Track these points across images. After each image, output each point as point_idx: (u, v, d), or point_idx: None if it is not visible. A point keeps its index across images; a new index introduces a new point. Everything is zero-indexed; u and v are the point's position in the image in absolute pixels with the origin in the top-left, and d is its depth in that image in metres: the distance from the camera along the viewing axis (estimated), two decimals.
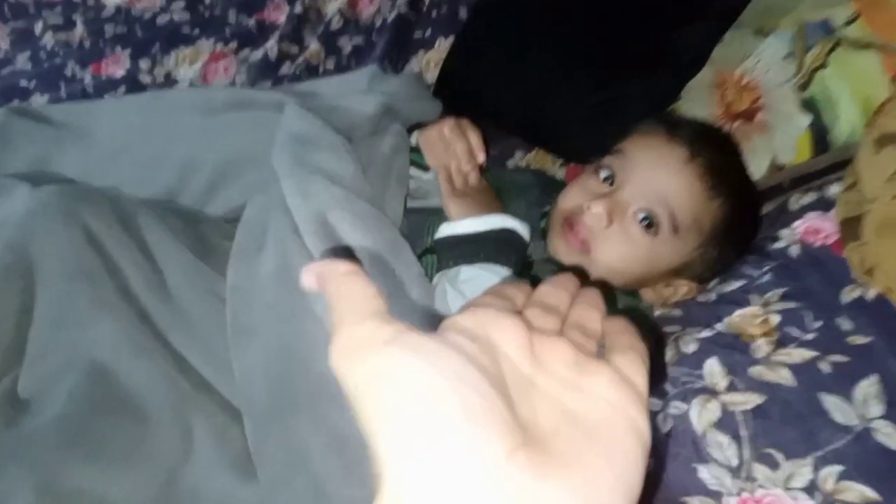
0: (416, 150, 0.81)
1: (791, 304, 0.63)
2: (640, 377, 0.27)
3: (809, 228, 0.69)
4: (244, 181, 0.83)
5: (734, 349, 0.62)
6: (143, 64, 1.20)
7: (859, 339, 0.58)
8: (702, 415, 0.59)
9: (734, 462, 0.56)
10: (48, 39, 1.26)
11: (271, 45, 1.19)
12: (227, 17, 1.22)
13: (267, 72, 1.16)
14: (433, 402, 0.22)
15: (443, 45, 1.12)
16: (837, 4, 0.76)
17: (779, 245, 0.70)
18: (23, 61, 1.23)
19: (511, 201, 0.81)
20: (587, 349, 0.28)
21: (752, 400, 0.58)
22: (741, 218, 0.72)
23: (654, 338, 0.67)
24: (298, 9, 1.19)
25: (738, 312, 0.65)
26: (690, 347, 0.64)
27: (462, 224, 0.67)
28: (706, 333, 0.65)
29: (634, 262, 0.70)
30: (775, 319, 0.62)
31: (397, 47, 1.15)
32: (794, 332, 0.61)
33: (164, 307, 0.65)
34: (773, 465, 0.55)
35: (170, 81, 1.18)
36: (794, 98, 0.79)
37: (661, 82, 0.90)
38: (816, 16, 0.78)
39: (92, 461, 0.57)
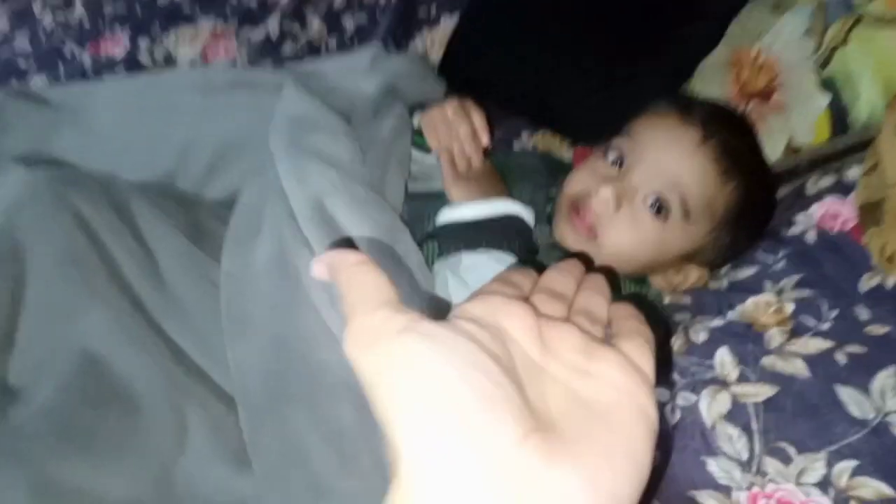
0: (418, 131, 0.79)
1: (806, 292, 0.61)
2: (647, 362, 0.27)
3: (827, 213, 0.66)
4: (244, 164, 0.81)
5: (746, 339, 0.60)
6: (143, 44, 1.18)
7: (878, 329, 0.56)
8: (711, 406, 0.57)
9: (744, 455, 0.54)
10: (47, 19, 1.24)
11: (273, 24, 1.16)
12: None
13: (268, 51, 1.14)
14: (447, 390, 0.22)
15: (448, 24, 1.09)
16: None
17: (794, 230, 0.67)
18: (21, 41, 1.22)
19: (516, 185, 0.78)
20: (594, 335, 0.28)
21: (765, 392, 0.56)
22: (755, 202, 0.70)
23: (661, 325, 0.65)
24: None
25: (751, 300, 0.63)
26: (700, 336, 0.62)
27: (464, 209, 0.65)
28: (717, 322, 0.63)
29: (643, 248, 0.67)
30: (790, 308, 0.60)
31: (401, 26, 1.12)
32: (810, 321, 0.59)
33: (157, 294, 0.63)
34: (785, 460, 0.53)
35: (170, 61, 1.16)
36: (813, 77, 0.75)
37: (673, 61, 0.87)
38: None
39: (83, 453, 0.55)
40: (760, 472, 0.53)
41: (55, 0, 1.24)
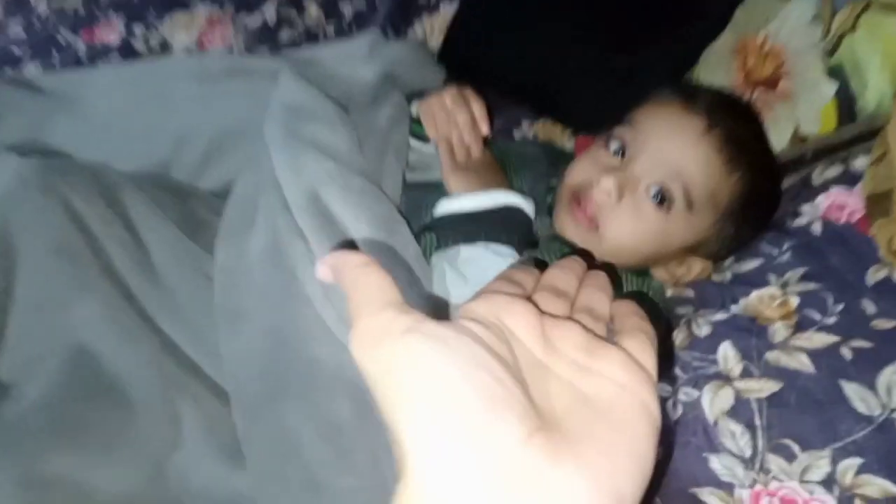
0: (416, 120, 0.77)
1: (812, 286, 0.59)
2: (650, 359, 0.28)
3: (833, 204, 0.65)
4: (240, 153, 0.80)
5: (750, 333, 0.58)
6: (138, 30, 1.15)
7: (884, 324, 0.55)
8: (714, 402, 0.56)
9: (747, 452, 0.53)
10: (42, 6, 1.22)
11: (270, 11, 1.14)
12: None
13: (265, 38, 1.12)
14: (452, 389, 0.23)
15: (447, 10, 1.07)
16: None
17: (800, 221, 0.66)
18: (15, 28, 1.20)
19: (516, 175, 0.77)
20: (596, 332, 0.29)
21: (768, 387, 0.55)
22: (760, 193, 0.68)
23: (662, 321, 0.63)
24: None
25: (755, 294, 0.61)
26: (703, 330, 0.61)
27: (463, 200, 0.64)
28: (720, 316, 0.61)
29: (646, 239, 0.66)
30: (794, 301, 0.59)
31: (400, 12, 1.10)
32: (815, 315, 0.57)
33: (150, 287, 0.62)
34: (789, 457, 0.52)
35: (165, 48, 1.14)
36: (820, 64, 0.74)
37: (678, 48, 0.85)
38: None
39: (75, 449, 0.55)
40: (764, 470, 0.52)
41: None
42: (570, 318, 0.29)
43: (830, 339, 0.55)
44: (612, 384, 0.26)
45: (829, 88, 0.73)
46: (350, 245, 0.59)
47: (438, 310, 0.59)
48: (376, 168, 0.69)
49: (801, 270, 0.61)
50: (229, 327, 0.61)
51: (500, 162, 0.77)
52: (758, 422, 0.54)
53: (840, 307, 0.57)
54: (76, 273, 0.61)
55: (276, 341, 0.59)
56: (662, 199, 0.65)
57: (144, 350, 0.60)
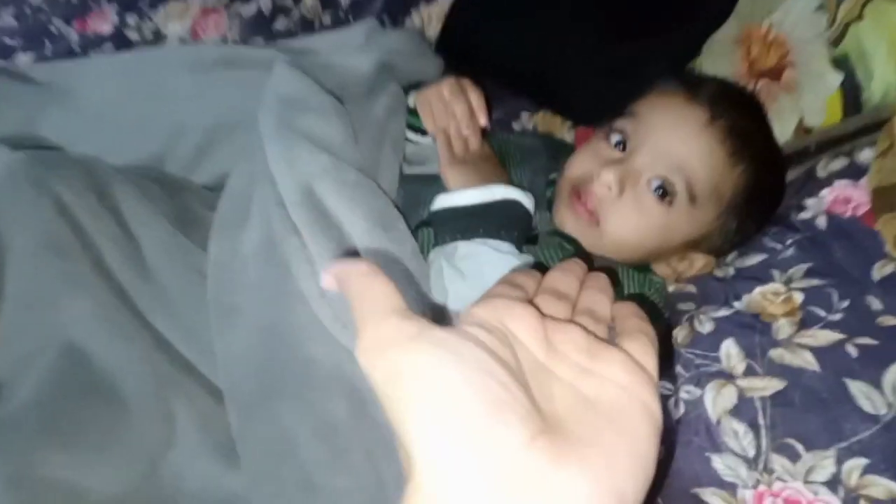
0: (413, 111, 0.76)
1: (816, 281, 0.58)
2: (651, 361, 0.28)
3: (838, 197, 0.64)
4: (234, 146, 0.79)
5: (753, 330, 0.57)
6: (131, 19, 1.14)
7: (891, 321, 0.53)
8: (717, 401, 0.55)
9: (751, 452, 0.52)
10: None
11: None
12: None
13: (260, 27, 1.11)
14: (457, 395, 0.23)
15: None
16: None
17: (804, 215, 0.65)
18: (7, 18, 1.18)
19: (515, 168, 0.76)
20: (598, 334, 0.29)
21: (772, 385, 0.54)
22: (765, 186, 0.67)
23: (662, 323, 0.62)
24: None
25: (759, 290, 0.60)
26: (706, 327, 0.60)
27: (460, 195, 0.62)
28: (723, 312, 0.60)
29: (647, 234, 0.65)
30: (799, 298, 0.58)
31: (397, 0, 1.08)
32: (820, 311, 0.56)
33: (142, 284, 0.61)
34: (793, 457, 0.51)
35: (158, 38, 1.13)
36: (825, 54, 0.72)
37: (680, 37, 0.83)
38: None
39: (67, 449, 0.54)
40: (767, 470, 0.51)
41: None
42: (571, 321, 0.30)
43: (835, 336, 0.54)
44: (613, 386, 0.26)
45: (835, 78, 0.72)
46: (351, 253, 0.58)
47: (435, 308, 0.58)
48: (372, 161, 0.67)
49: (805, 266, 0.60)
50: (223, 324, 0.60)
51: (498, 154, 0.76)
52: (761, 421, 0.53)
53: (845, 303, 0.56)
54: (66, 269, 0.60)
55: (271, 339, 0.58)
56: (664, 192, 0.64)
57: (137, 347, 0.59)
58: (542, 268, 0.61)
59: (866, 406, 0.50)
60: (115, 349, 0.58)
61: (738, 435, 0.53)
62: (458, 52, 0.98)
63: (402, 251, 0.58)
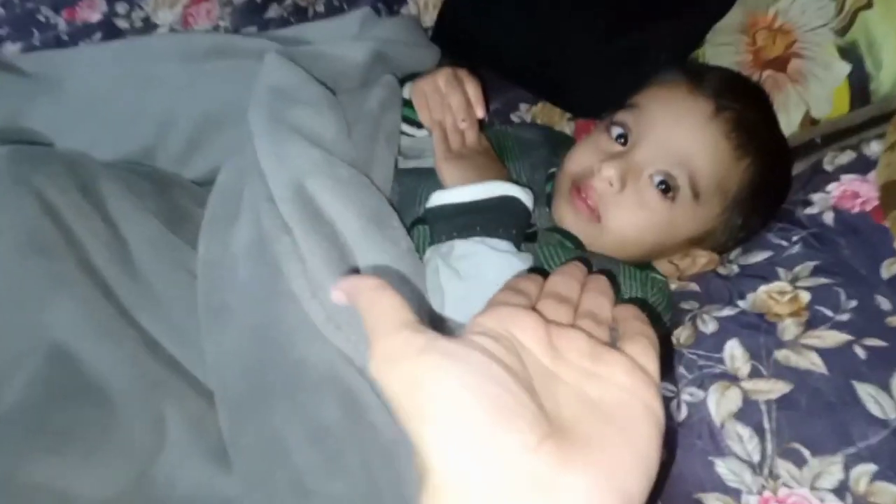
0: (409, 103, 0.73)
1: (823, 280, 0.57)
2: (652, 362, 0.29)
3: (846, 192, 0.62)
4: (226, 139, 0.77)
5: (758, 330, 0.56)
6: (120, 8, 1.12)
7: None
8: (720, 403, 0.54)
9: (756, 457, 0.51)
10: None
11: None
12: None
13: (252, 15, 1.08)
14: (467, 402, 0.24)
15: None
16: None
17: (810, 211, 0.63)
18: None
19: (514, 161, 0.74)
20: (600, 336, 0.30)
21: (778, 388, 0.52)
22: (771, 181, 0.65)
23: (661, 326, 0.61)
24: None
25: (764, 288, 0.59)
26: (709, 327, 0.58)
27: (457, 192, 0.60)
28: (727, 311, 0.59)
29: (649, 231, 0.63)
30: (805, 297, 0.56)
31: None
32: (827, 311, 0.55)
33: (129, 283, 0.60)
34: (800, 462, 0.49)
35: (149, 26, 1.10)
36: (833, 43, 0.70)
37: (683, 26, 0.81)
38: None
39: (54, 453, 0.53)
40: (773, 476, 0.50)
41: None
42: (574, 326, 0.31)
43: (843, 337, 0.53)
44: (616, 388, 0.27)
45: (842, 68, 0.70)
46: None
47: (431, 309, 0.57)
48: (366, 155, 0.65)
49: (811, 264, 0.58)
50: (212, 324, 0.58)
51: (496, 147, 0.73)
52: (766, 425, 0.51)
53: (853, 303, 0.54)
54: (51, 268, 0.58)
55: (262, 340, 0.56)
56: (667, 187, 0.62)
57: (125, 349, 0.58)
58: (541, 268, 0.60)
59: (875, 410, 0.49)
60: (103, 350, 0.57)
61: (742, 439, 0.52)
62: (455, 40, 0.96)
63: (396, 250, 0.57)
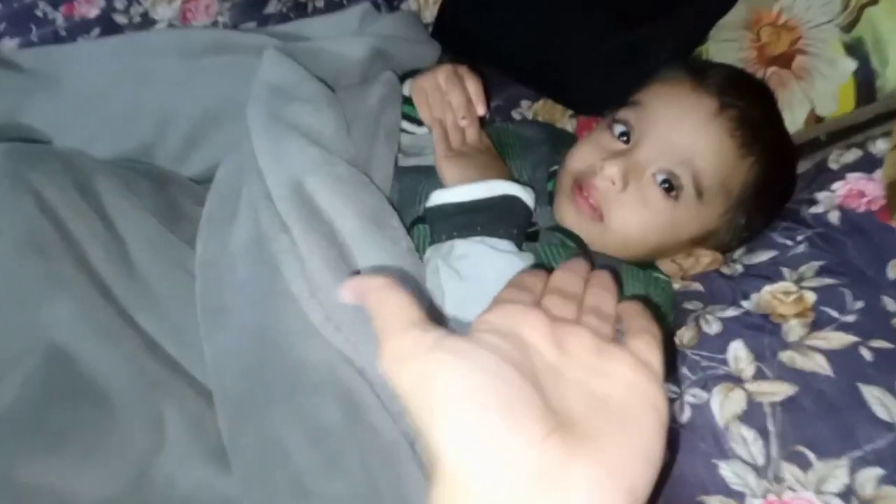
0: (409, 100, 0.73)
1: (829, 280, 0.56)
2: (656, 357, 0.30)
3: (852, 191, 0.61)
4: (224, 136, 0.76)
5: (762, 331, 0.55)
6: (119, 3, 1.11)
7: None
8: (724, 405, 0.53)
9: (760, 460, 0.50)
10: None
11: None
12: None
13: (251, 10, 1.07)
14: (476, 399, 0.25)
15: None
16: None
17: (816, 210, 0.62)
18: None
19: (515, 159, 0.73)
20: (604, 332, 0.31)
21: (783, 390, 0.52)
22: (775, 180, 0.64)
23: (664, 324, 0.60)
24: None
25: (768, 288, 0.58)
26: (713, 328, 0.58)
27: (457, 191, 0.59)
28: (731, 312, 0.58)
29: (652, 230, 0.62)
30: (810, 297, 0.56)
31: None
32: (832, 312, 0.54)
33: (127, 282, 0.59)
34: (804, 465, 0.49)
35: (147, 22, 1.10)
36: (838, 39, 0.69)
37: (686, 22, 0.80)
38: None
39: (52, 453, 0.52)
40: (777, 479, 0.49)
41: None
42: (578, 322, 0.31)
43: (849, 338, 0.52)
44: (621, 384, 0.28)
45: (848, 65, 0.69)
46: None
47: (433, 306, 0.56)
48: (366, 153, 0.65)
49: (817, 264, 0.58)
50: (211, 325, 0.58)
51: (497, 145, 0.73)
52: (771, 427, 0.51)
53: (859, 304, 0.54)
54: (48, 268, 0.58)
55: (260, 341, 0.56)
56: (670, 186, 0.61)
57: (123, 348, 0.57)
58: (543, 267, 0.59)
59: (881, 413, 0.48)
60: (101, 350, 0.57)
61: (746, 441, 0.51)
62: (455, 36, 0.95)
63: (396, 249, 0.56)
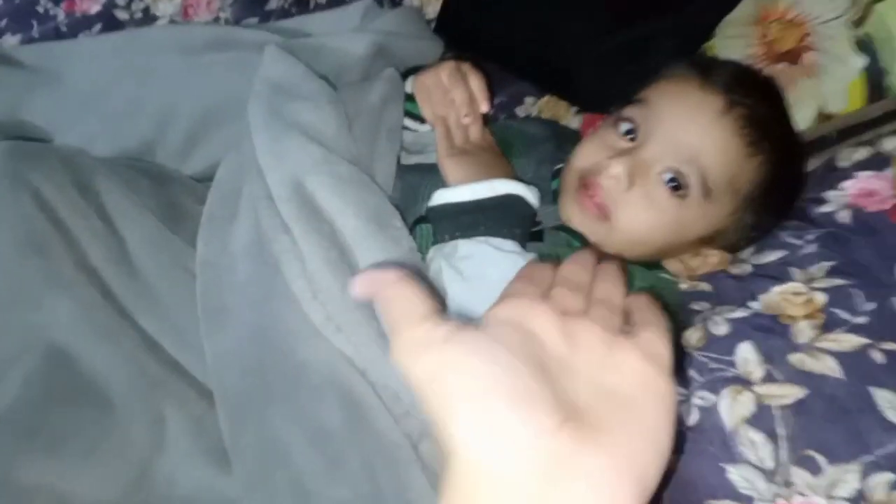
0: (411, 97, 0.72)
1: (839, 281, 0.55)
2: (664, 349, 0.30)
3: (862, 190, 0.60)
4: (225, 134, 0.76)
5: (772, 332, 0.54)
6: None
7: None
8: (733, 408, 0.52)
9: (769, 464, 0.49)
10: None
11: None
12: None
13: (253, 6, 1.06)
14: (489, 390, 0.25)
15: None
16: None
17: (825, 209, 0.61)
18: None
19: (519, 157, 0.72)
20: (613, 324, 0.31)
21: (792, 393, 0.51)
22: (784, 178, 0.63)
23: (673, 317, 0.59)
24: None
25: (777, 289, 0.57)
26: (721, 329, 0.57)
27: (460, 190, 0.59)
28: (739, 313, 0.57)
29: (659, 229, 0.61)
30: (820, 299, 0.55)
31: None
32: (843, 314, 0.53)
33: (127, 282, 0.59)
34: (815, 470, 0.48)
35: (148, 17, 1.09)
36: (847, 36, 0.68)
37: (692, 18, 0.79)
38: None
39: (52, 454, 0.52)
40: (787, 483, 0.48)
41: None
42: (587, 314, 0.31)
43: (860, 340, 0.51)
44: (630, 375, 0.28)
45: (857, 62, 0.68)
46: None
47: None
48: (367, 151, 0.64)
49: (827, 264, 0.57)
50: (212, 325, 0.57)
51: (501, 142, 0.72)
52: (781, 431, 0.50)
53: (871, 305, 0.53)
54: (48, 268, 0.58)
55: (261, 341, 0.55)
56: (677, 185, 0.60)
57: (123, 348, 0.57)
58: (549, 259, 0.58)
59: (892, 416, 0.48)
60: (101, 350, 0.56)
61: (755, 445, 0.50)
62: (458, 32, 0.94)
63: (398, 249, 0.55)
